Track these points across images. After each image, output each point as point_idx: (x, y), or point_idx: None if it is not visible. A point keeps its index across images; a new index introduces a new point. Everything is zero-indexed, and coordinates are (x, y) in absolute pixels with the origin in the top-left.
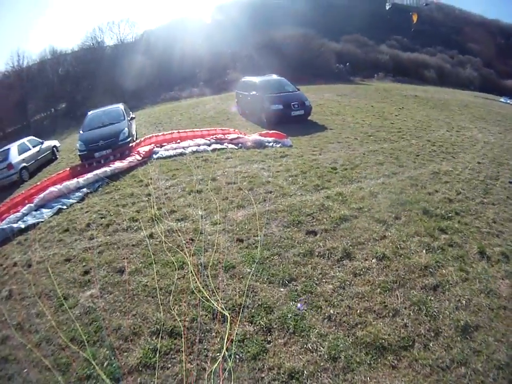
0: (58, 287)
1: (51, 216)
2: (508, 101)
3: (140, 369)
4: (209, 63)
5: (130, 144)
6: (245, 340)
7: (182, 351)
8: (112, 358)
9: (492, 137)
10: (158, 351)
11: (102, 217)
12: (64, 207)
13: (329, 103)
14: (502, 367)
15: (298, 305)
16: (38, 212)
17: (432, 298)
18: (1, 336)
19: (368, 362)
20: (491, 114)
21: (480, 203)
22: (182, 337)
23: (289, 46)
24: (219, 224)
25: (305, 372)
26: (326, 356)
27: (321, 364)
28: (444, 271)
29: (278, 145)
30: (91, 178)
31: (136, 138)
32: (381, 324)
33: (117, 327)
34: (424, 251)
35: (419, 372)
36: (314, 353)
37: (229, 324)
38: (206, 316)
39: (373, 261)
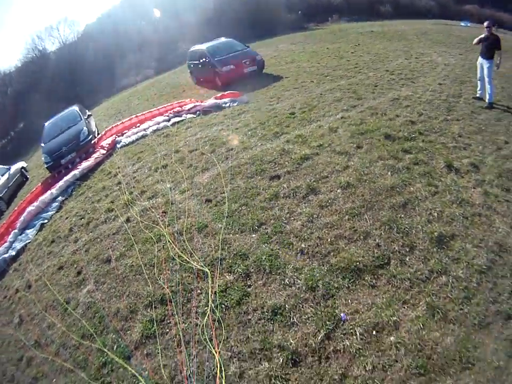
0: (59, 295)
1: (36, 234)
2: (468, 24)
3: (144, 341)
4: (158, 40)
5: (93, 141)
6: (227, 289)
7: (175, 314)
8: (119, 340)
9: (452, 59)
10: (154, 321)
11: (81, 218)
12: (45, 221)
13: (283, 53)
14: (484, 271)
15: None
16: (23, 234)
17: (402, 215)
18: (26, 359)
19: (347, 285)
20: (451, 38)
21: (444, 121)
22: (172, 303)
23: (236, 7)
24: (187, 191)
25: (287, 306)
26: (304, 288)
27: (301, 296)
28: (411, 188)
29: (235, 104)
30: (63, 186)
31: (98, 134)
32: (353, 247)
33: (116, 311)
34: (389, 173)
35: (399, 287)
36: (293, 287)
37: (210, 278)
38: (189, 276)
39: (338, 191)
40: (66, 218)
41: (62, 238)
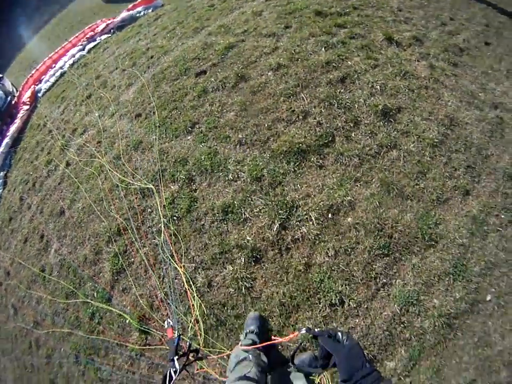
0: (33, 267)
1: None
2: None
3: (116, 278)
4: None
5: (13, 102)
6: (175, 200)
7: (134, 241)
8: (96, 286)
9: None
10: (118, 254)
11: (26, 183)
12: None
13: None
14: (437, 144)
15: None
16: None
17: (342, 90)
18: (34, 343)
19: (293, 170)
20: None
21: None
22: (127, 230)
23: None
24: (115, 113)
25: (236, 202)
26: (249, 180)
27: (248, 189)
28: (349, 62)
29: (150, 11)
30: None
31: (17, 91)
32: (293, 129)
33: (84, 258)
34: (323, 49)
35: (348, 165)
36: (238, 181)
37: (156, 193)
38: (136, 198)
39: (269, 73)
40: (14, 190)
41: (17, 211)
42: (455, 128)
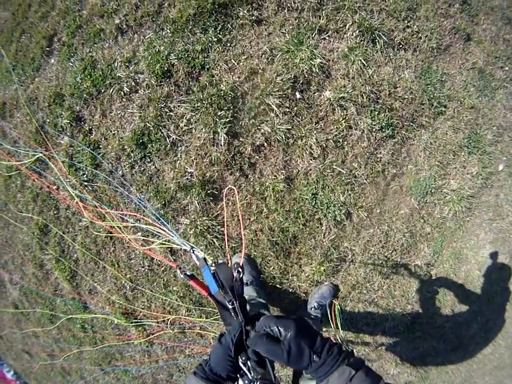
0: (7, 308)
1: None
2: None
3: (75, 283)
4: None
5: None
6: (73, 158)
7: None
8: (64, 299)
9: None
10: (58, 258)
11: None
12: None
13: None
14: None
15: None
16: None
17: None
18: (61, 370)
19: (215, 39)
20: None
21: None
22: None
23: None
24: None
25: (149, 124)
26: (154, 80)
27: (158, 95)
28: None
29: None
30: None
31: None
32: None
33: (34, 277)
34: None
35: (302, 9)
36: (140, 90)
37: (49, 161)
38: (34, 179)
39: None
40: None
41: None
42: None
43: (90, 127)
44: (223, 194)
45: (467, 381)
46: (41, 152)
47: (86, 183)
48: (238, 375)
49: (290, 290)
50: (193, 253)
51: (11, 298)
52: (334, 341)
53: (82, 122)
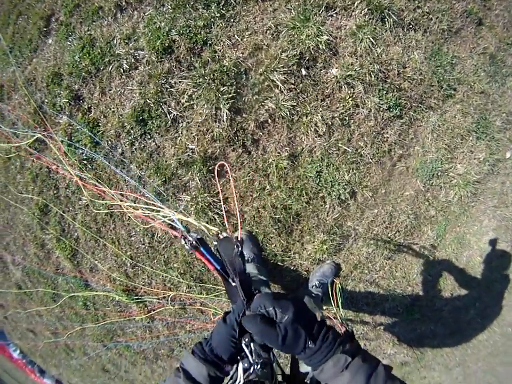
0: (11, 289)
1: None
2: None
3: (76, 262)
4: None
5: None
6: (72, 137)
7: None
8: (66, 277)
9: None
10: (58, 237)
11: None
12: None
13: None
14: None
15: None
16: None
17: None
18: (66, 347)
19: (218, 15)
20: None
21: None
22: (49, 206)
23: None
24: None
25: (149, 101)
26: (155, 56)
27: (159, 71)
28: None
29: None
30: None
31: None
32: None
33: (36, 257)
34: None
35: None
36: (140, 67)
37: (48, 141)
38: (33, 161)
39: None
40: None
41: None
42: None
43: (89, 105)
44: (215, 170)
45: (461, 364)
46: (40, 133)
47: (85, 162)
48: (239, 357)
49: (292, 268)
50: (185, 239)
51: (14, 279)
52: (329, 324)
53: (81, 101)
